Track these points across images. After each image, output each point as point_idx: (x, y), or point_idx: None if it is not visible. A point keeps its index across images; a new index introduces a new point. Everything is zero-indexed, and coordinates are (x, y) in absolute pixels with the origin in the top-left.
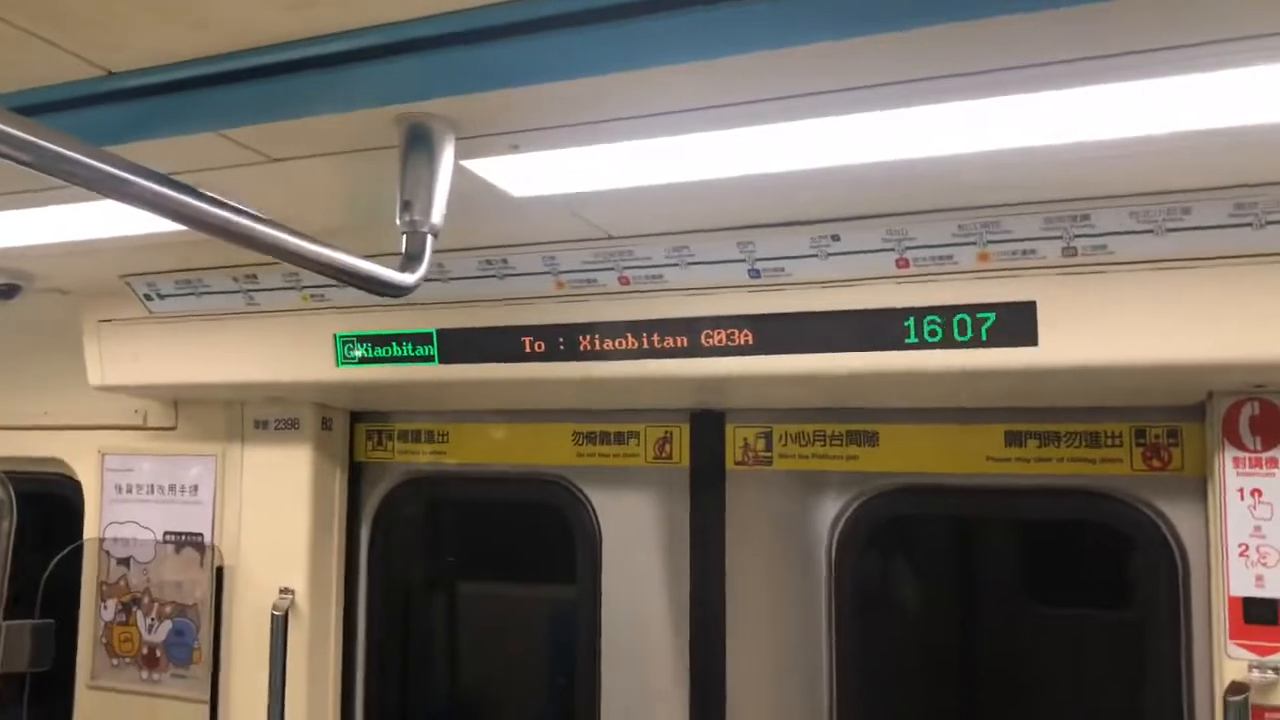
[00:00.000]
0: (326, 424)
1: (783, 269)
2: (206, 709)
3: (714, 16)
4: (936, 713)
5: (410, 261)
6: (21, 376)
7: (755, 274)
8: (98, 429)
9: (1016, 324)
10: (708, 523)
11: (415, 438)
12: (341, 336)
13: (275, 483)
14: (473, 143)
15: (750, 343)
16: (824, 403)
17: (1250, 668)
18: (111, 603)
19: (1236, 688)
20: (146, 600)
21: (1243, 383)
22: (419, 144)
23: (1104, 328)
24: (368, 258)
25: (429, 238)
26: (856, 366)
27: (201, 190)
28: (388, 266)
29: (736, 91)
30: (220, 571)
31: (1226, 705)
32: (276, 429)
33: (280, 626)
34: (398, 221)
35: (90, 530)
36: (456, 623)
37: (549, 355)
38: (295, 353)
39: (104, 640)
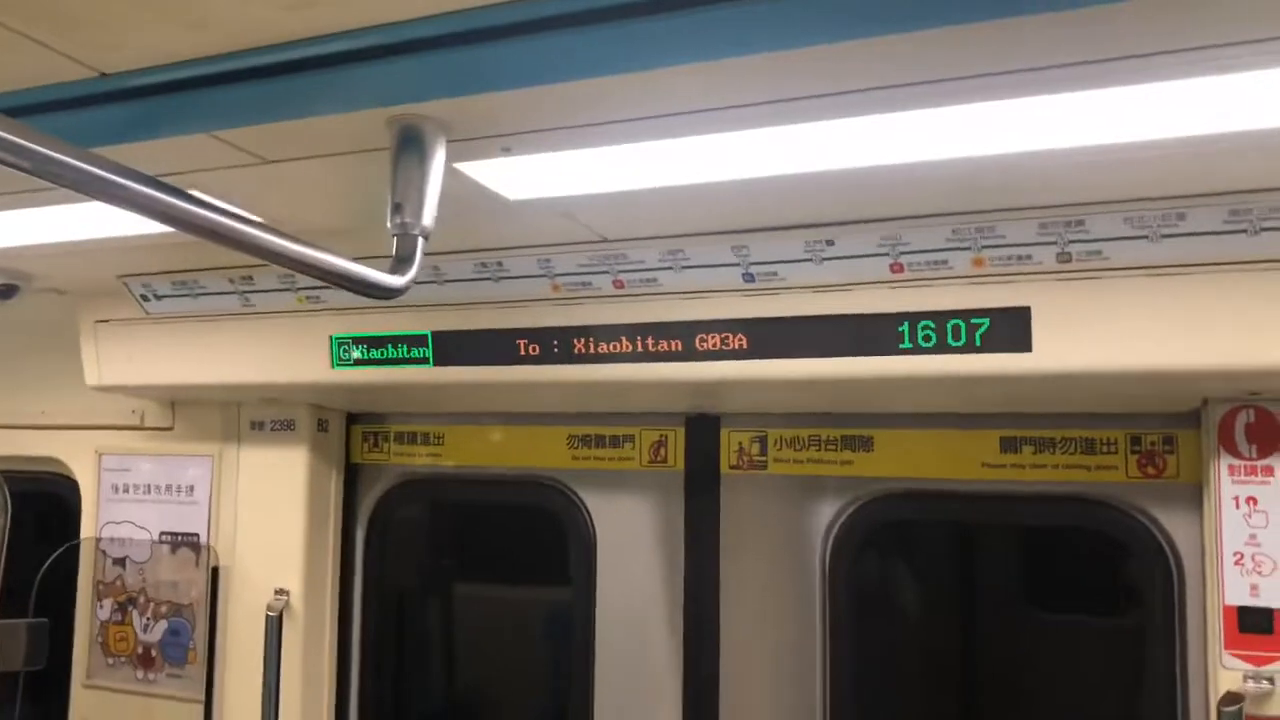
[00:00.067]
0: (322, 425)
1: (777, 273)
2: (201, 709)
3: (708, 19)
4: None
5: (400, 264)
6: (19, 376)
7: (749, 278)
8: (95, 429)
9: (1011, 330)
10: (702, 527)
11: (411, 439)
12: (337, 338)
13: (271, 483)
14: (464, 145)
15: (744, 347)
16: (819, 408)
17: (1245, 678)
18: (108, 602)
19: (1231, 698)
20: (142, 600)
21: (1238, 390)
22: (410, 146)
23: (1098, 334)
24: (362, 259)
25: (420, 240)
26: (850, 372)
27: (189, 192)
28: (380, 268)
29: (730, 95)
30: (216, 572)
31: (1220, 715)
32: (272, 430)
33: (275, 627)
34: (388, 224)
35: (87, 530)
36: (451, 625)
37: (543, 358)
38: (291, 354)
39: (100, 639)
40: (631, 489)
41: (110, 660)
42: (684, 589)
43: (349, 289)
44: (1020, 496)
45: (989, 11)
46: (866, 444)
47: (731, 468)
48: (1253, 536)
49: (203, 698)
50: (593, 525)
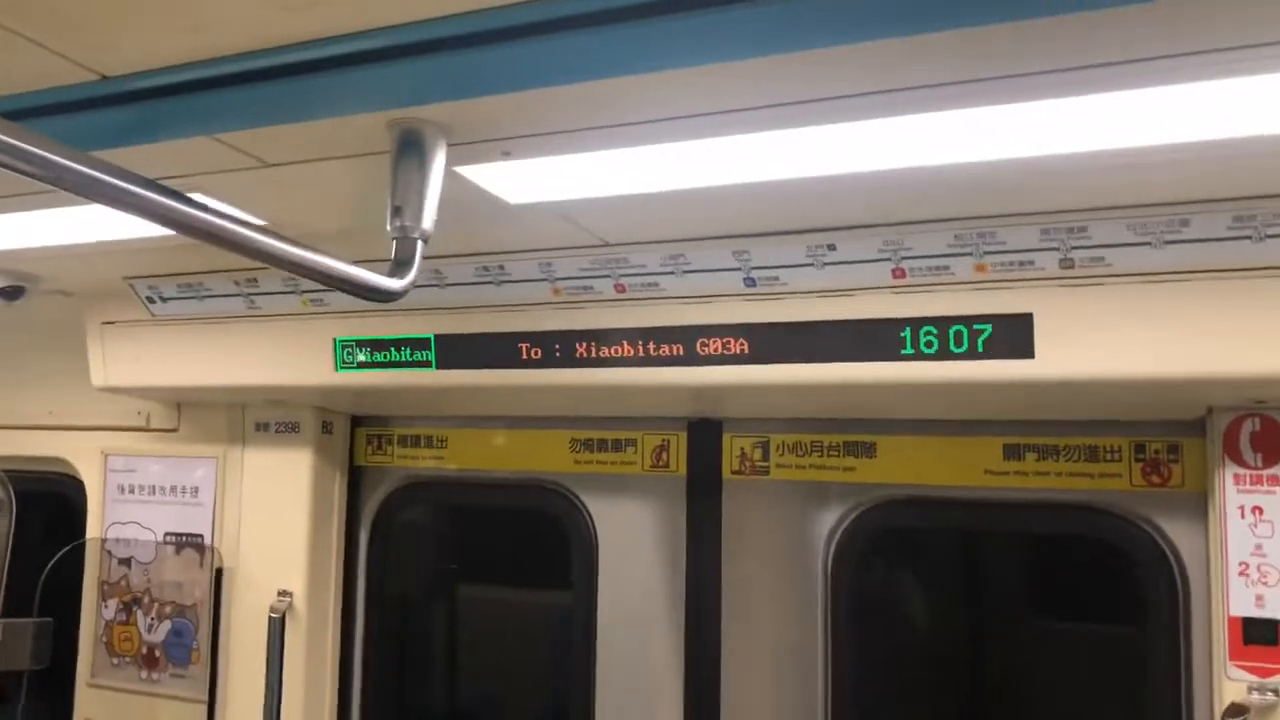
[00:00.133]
0: (327, 428)
1: (778, 278)
2: (204, 709)
3: (708, 22)
4: None
5: (399, 267)
6: (27, 377)
7: (751, 283)
8: (101, 430)
9: (1013, 336)
10: (704, 532)
11: (414, 442)
12: (341, 341)
13: (275, 485)
14: (465, 149)
15: (745, 352)
16: (821, 413)
17: (1250, 689)
18: (112, 602)
19: (1235, 709)
20: (147, 600)
21: (1243, 398)
22: (410, 149)
23: (1101, 341)
24: (363, 263)
25: (419, 243)
26: (852, 377)
27: (188, 195)
28: (381, 272)
29: (732, 98)
30: (219, 573)
31: None
32: (277, 432)
33: (277, 628)
34: (388, 227)
35: (93, 530)
36: (453, 627)
37: (545, 362)
38: (295, 356)
39: (104, 639)
40: (633, 494)
41: (114, 660)
42: (685, 594)
43: (348, 292)
44: (1023, 504)
45: (992, 15)
46: (869, 450)
47: (734, 473)
48: (1258, 547)
49: (205, 698)
50: (594, 529)
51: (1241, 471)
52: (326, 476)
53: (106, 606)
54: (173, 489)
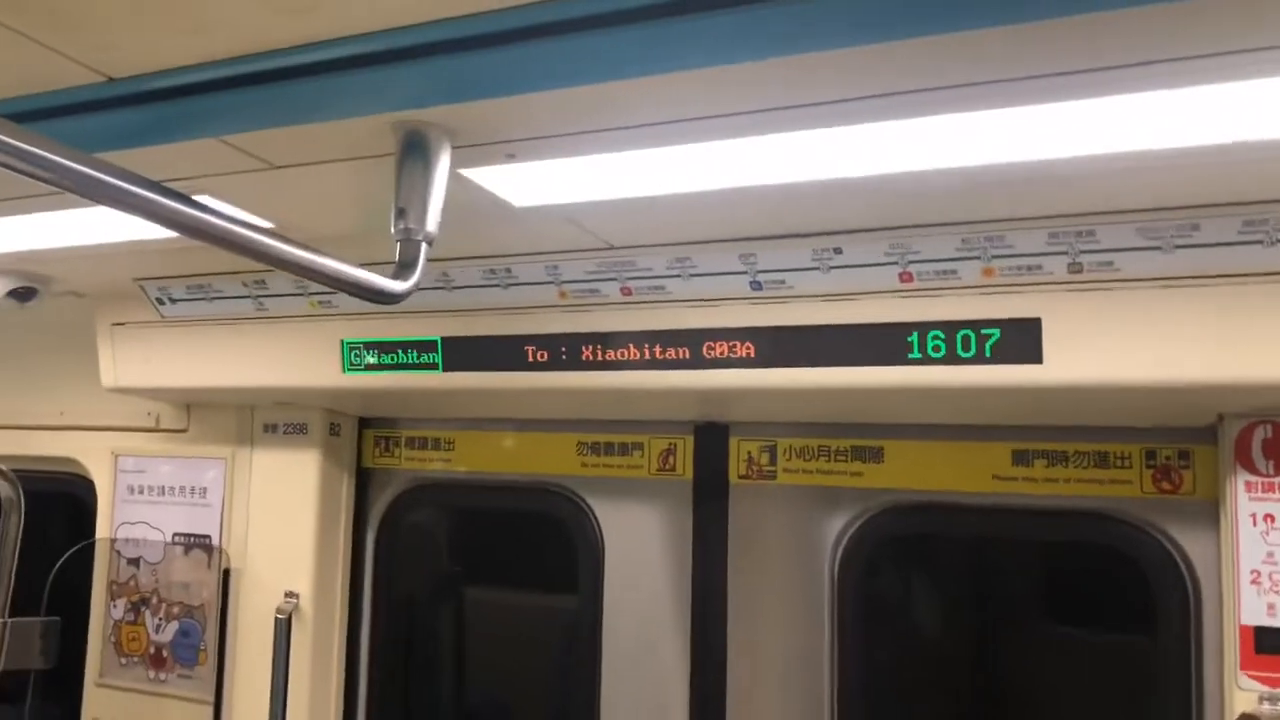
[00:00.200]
0: (335, 429)
1: (784, 281)
2: (210, 710)
3: (714, 24)
4: None
5: (403, 269)
6: (39, 377)
7: (757, 286)
8: (111, 430)
9: (1021, 341)
10: (710, 536)
11: (422, 445)
12: (348, 343)
13: (283, 486)
14: (469, 151)
15: (751, 355)
16: (828, 417)
17: (1261, 699)
18: (121, 602)
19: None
20: (155, 600)
21: (1255, 405)
22: (414, 152)
23: (1110, 346)
24: (370, 265)
25: (423, 246)
26: (859, 381)
27: (192, 197)
28: (386, 274)
29: (738, 100)
30: (227, 574)
31: None
32: (285, 433)
33: (284, 630)
34: (391, 229)
35: (102, 530)
36: (459, 630)
37: (552, 365)
38: (303, 358)
39: (113, 639)
40: (640, 497)
41: (123, 660)
42: (691, 599)
43: (352, 294)
44: (1032, 510)
45: (1001, 17)
46: (877, 455)
47: (740, 477)
48: (1270, 555)
49: (212, 699)
50: (601, 533)
51: (1253, 479)
52: (334, 478)
53: (115, 606)
54: (181, 489)
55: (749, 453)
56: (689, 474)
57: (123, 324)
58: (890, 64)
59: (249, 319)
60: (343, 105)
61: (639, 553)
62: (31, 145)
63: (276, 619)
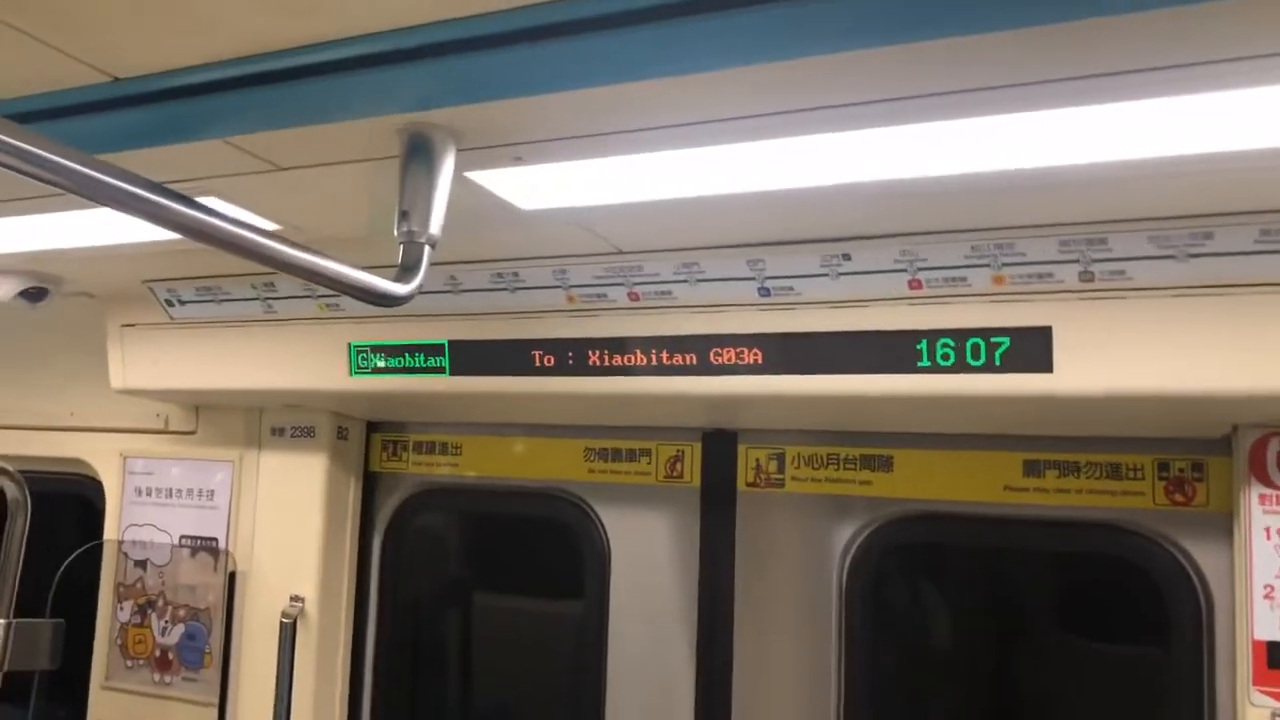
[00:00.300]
0: (342, 433)
1: (793, 288)
2: (214, 713)
3: (722, 25)
4: None
5: (406, 272)
6: (50, 378)
7: (765, 292)
8: (120, 432)
9: (1031, 349)
10: (718, 544)
11: (429, 449)
12: (355, 346)
13: (290, 489)
14: (474, 154)
15: (759, 362)
16: (836, 425)
17: (1273, 716)
18: (128, 604)
19: None
20: (161, 603)
21: (1269, 416)
22: (419, 154)
23: (1122, 356)
24: (376, 268)
25: (426, 248)
26: (866, 389)
27: (194, 198)
28: (390, 277)
29: (748, 104)
30: (233, 577)
31: None
32: (293, 436)
33: (289, 634)
34: (395, 231)
35: (110, 531)
36: (465, 636)
37: (559, 369)
38: (311, 361)
39: (119, 642)
40: (647, 504)
41: (129, 662)
42: (698, 607)
43: (354, 296)
44: (1043, 521)
45: (1013, 20)
46: (886, 464)
47: (748, 485)
48: None
49: (216, 702)
50: (607, 539)
51: (1268, 492)
52: (341, 482)
53: (122, 609)
54: (189, 492)
55: (757, 460)
56: (696, 481)
57: (132, 325)
58: (902, 67)
59: (257, 321)
60: (348, 106)
61: (646, 560)
62: (34, 146)
63: (281, 623)
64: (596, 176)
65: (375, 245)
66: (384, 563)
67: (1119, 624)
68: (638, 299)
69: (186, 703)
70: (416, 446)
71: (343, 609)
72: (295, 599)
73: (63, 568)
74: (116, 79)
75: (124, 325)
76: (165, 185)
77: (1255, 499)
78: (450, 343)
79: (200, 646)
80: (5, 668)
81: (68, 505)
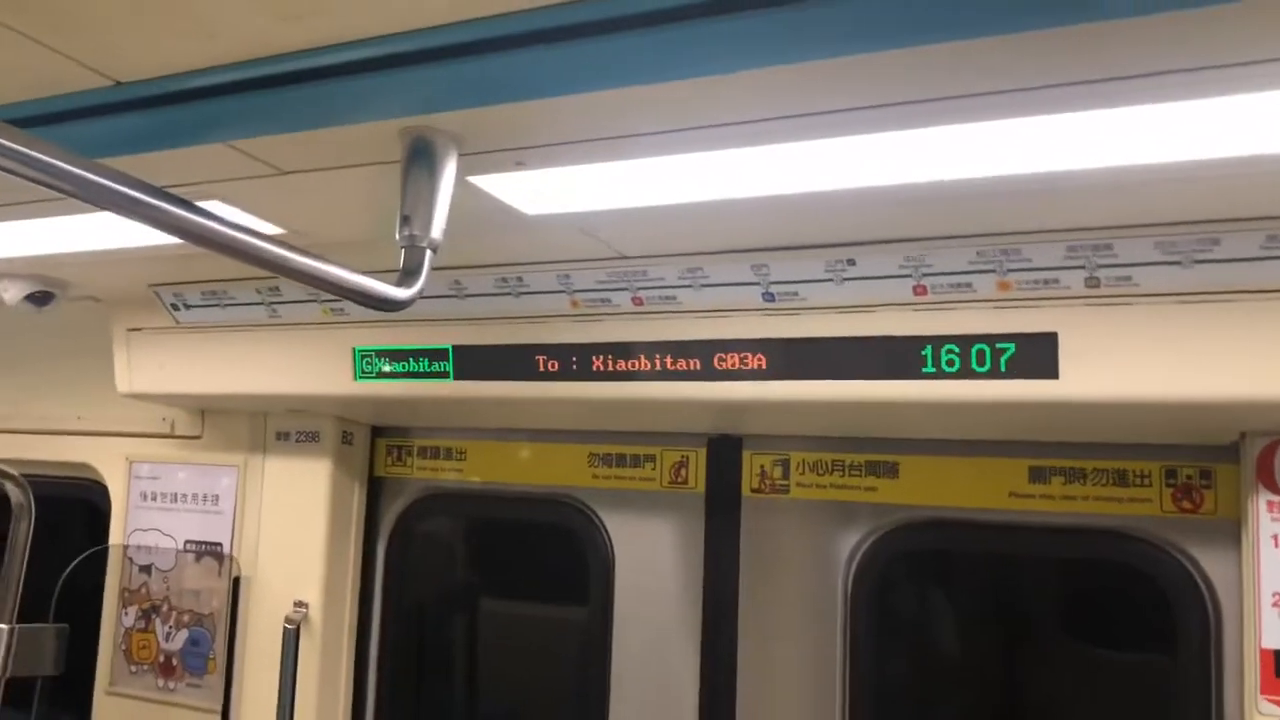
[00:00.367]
0: (347, 438)
1: (797, 293)
2: (218, 719)
3: (726, 30)
4: None
5: (408, 277)
6: (56, 382)
7: (769, 297)
8: (126, 436)
9: (1037, 356)
10: (722, 550)
11: (434, 454)
12: (360, 350)
13: (294, 494)
14: (477, 159)
15: (763, 367)
16: (841, 431)
17: None
18: (132, 609)
19: None
20: (165, 608)
21: (1277, 423)
22: (420, 158)
23: (1128, 362)
24: (378, 273)
25: (428, 253)
26: (871, 395)
27: (197, 203)
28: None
29: (751, 109)
30: (237, 582)
31: None
32: (298, 441)
33: (292, 639)
34: (396, 236)
35: (115, 536)
36: (469, 641)
37: (563, 374)
38: (315, 365)
39: (123, 647)
40: (651, 510)
41: (133, 668)
42: (702, 613)
43: (355, 300)
44: (1049, 528)
45: (1018, 24)
46: (892, 470)
47: (753, 491)
48: None
49: (220, 708)
50: (611, 545)
51: (1275, 499)
52: (345, 487)
53: (126, 614)
54: (194, 497)
55: (762, 466)
56: (701, 487)
57: (138, 329)
58: (907, 72)
59: (262, 325)
60: (350, 110)
61: (650, 565)
62: (35, 151)
63: (285, 628)
64: (600, 181)
65: (378, 250)
66: (388, 568)
67: (1126, 632)
68: (642, 304)
69: (190, 709)
70: (421, 451)
71: (347, 614)
72: (299, 604)
73: (67, 572)
74: (118, 83)
75: (130, 329)
76: (167, 190)
77: (1263, 506)
78: (455, 347)
79: (204, 652)
80: (9, 673)
81: (72, 509)
